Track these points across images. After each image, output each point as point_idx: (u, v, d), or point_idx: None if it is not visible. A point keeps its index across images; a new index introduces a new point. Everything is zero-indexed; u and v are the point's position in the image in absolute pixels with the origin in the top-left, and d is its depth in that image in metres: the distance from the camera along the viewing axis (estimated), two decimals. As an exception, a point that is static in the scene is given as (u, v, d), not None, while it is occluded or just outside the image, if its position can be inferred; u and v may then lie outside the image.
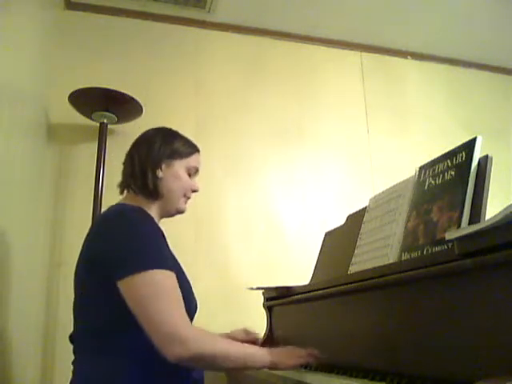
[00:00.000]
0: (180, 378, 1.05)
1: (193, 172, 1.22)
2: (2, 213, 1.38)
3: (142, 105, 1.99)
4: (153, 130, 1.24)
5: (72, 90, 1.89)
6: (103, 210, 1.83)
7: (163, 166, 1.17)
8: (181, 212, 1.22)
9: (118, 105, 1.96)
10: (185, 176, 1.20)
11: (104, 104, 1.95)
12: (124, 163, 1.22)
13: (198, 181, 1.27)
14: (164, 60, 2.40)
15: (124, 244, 0.99)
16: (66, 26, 2.25)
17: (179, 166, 1.19)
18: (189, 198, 1.23)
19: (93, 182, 1.92)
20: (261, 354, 1.03)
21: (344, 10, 2.50)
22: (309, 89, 2.63)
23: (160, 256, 1.01)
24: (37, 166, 1.88)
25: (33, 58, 1.78)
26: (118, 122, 2.04)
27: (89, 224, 1.83)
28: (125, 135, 2.11)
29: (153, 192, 1.15)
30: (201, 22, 2.51)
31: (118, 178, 1.23)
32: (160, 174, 1.16)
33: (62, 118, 2.12)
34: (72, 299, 1.09)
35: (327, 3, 2.44)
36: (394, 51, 2.86)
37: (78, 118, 2.04)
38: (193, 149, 1.24)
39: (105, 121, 1.99)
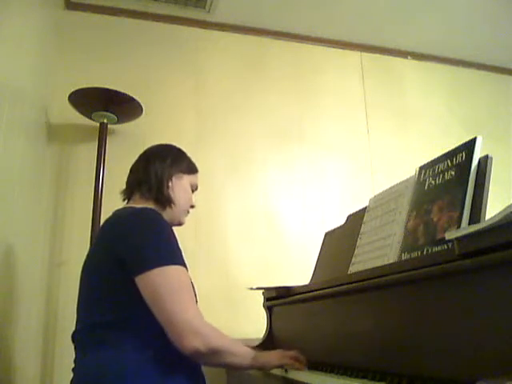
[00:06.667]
0: (190, 372, 1.06)
1: (194, 189, 1.34)
2: (2, 213, 1.38)
3: (142, 105, 1.99)
4: (163, 145, 1.33)
5: (72, 90, 1.89)
6: (103, 209, 1.87)
7: (174, 178, 1.26)
8: (181, 224, 1.31)
9: (118, 105, 1.96)
10: (189, 190, 1.32)
11: (104, 104, 1.95)
12: (132, 171, 1.27)
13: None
14: (164, 60, 2.40)
15: (142, 241, 1.03)
16: (66, 26, 2.26)
17: (186, 180, 1.30)
18: (188, 212, 1.33)
19: (93, 182, 1.92)
20: (248, 357, 1.06)
21: (344, 10, 2.50)
22: (309, 89, 2.63)
23: (175, 252, 1.05)
24: (37, 166, 1.88)
25: (33, 58, 1.77)
26: (118, 122, 2.04)
27: (89, 224, 1.87)
28: (125, 135, 2.11)
29: (165, 200, 1.23)
30: (201, 22, 2.51)
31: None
32: (171, 184, 1.25)
33: (62, 118, 2.12)
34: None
35: (327, 3, 2.44)
36: (394, 51, 2.86)
37: (78, 118, 2.04)
38: (196, 168, 1.35)
39: (105, 121, 1.98)
